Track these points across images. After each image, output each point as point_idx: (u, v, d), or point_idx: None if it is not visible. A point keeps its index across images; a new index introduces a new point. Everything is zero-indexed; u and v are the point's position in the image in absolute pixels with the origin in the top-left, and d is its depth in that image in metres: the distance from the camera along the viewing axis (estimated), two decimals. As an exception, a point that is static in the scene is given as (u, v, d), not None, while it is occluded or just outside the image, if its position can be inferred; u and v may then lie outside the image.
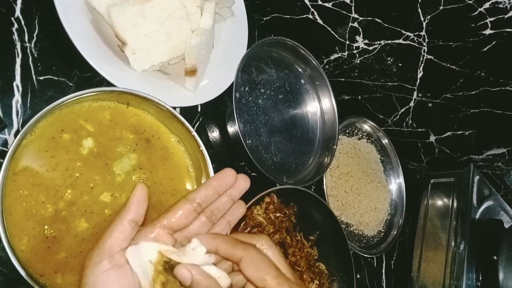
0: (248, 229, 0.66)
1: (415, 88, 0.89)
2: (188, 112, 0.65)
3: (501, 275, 0.79)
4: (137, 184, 0.34)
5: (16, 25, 0.51)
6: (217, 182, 0.36)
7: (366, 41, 0.83)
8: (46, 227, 0.43)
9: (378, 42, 0.83)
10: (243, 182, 0.37)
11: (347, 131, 0.94)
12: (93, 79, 0.56)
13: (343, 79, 0.93)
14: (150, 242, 0.33)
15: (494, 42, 0.74)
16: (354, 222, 0.88)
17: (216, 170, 0.53)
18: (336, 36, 0.84)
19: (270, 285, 0.31)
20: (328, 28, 0.82)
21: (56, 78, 0.53)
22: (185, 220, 0.35)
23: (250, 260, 0.32)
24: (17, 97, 0.50)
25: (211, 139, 0.69)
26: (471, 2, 0.69)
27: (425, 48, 0.81)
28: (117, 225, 0.32)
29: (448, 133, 0.96)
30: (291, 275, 0.34)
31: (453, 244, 0.87)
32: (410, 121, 0.97)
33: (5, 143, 0.49)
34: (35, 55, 0.52)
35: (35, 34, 0.52)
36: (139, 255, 0.32)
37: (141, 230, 0.34)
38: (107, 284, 0.30)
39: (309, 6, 0.79)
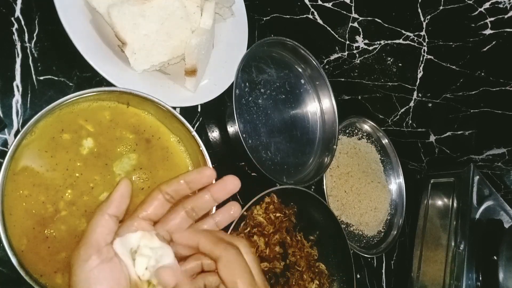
0: (248, 229, 0.66)
1: (415, 88, 0.89)
2: (188, 112, 0.65)
3: (501, 275, 0.79)
4: (122, 179, 0.34)
5: (16, 25, 0.51)
6: (189, 177, 0.35)
7: (366, 41, 0.83)
8: (46, 227, 0.43)
9: (378, 42, 0.83)
10: (231, 184, 0.36)
11: (347, 131, 0.94)
12: (93, 79, 0.56)
13: (343, 79, 0.93)
14: (135, 232, 0.33)
15: (494, 42, 0.73)
16: (354, 222, 0.88)
17: (216, 170, 0.53)
18: (336, 36, 0.84)
19: None
20: (328, 28, 0.82)
21: (56, 78, 0.53)
22: (161, 210, 0.35)
23: (227, 261, 0.32)
24: (17, 97, 0.50)
25: (211, 139, 0.69)
26: (471, 2, 0.69)
27: (425, 48, 0.81)
28: (100, 220, 0.32)
29: (448, 133, 0.96)
30: (264, 286, 0.33)
31: (453, 244, 0.87)
32: (410, 121, 0.97)
33: (5, 143, 0.49)
34: (35, 55, 0.52)
35: (35, 34, 0.52)
36: (125, 246, 0.32)
37: (122, 224, 0.34)
38: (99, 278, 0.30)
39: (309, 6, 0.79)
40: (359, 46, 0.85)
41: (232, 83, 0.65)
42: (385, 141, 1.00)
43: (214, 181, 0.37)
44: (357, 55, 0.86)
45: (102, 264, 0.30)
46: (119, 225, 0.34)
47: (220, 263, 0.32)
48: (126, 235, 0.33)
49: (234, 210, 0.38)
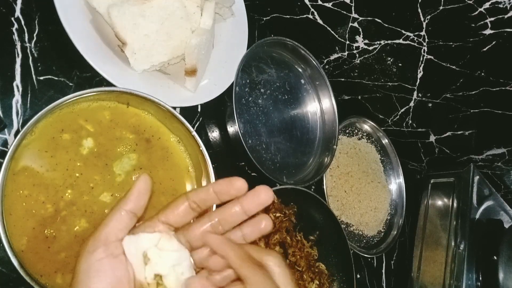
0: (248, 229, 0.66)
1: (415, 88, 0.89)
2: (188, 112, 0.65)
3: (501, 275, 0.79)
4: (142, 175, 0.33)
5: (16, 25, 0.51)
6: (218, 188, 0.33)
7: (366, 41, 0.83)
8: (46, 227, 0.43)
9: (378, 42, 0.83)
10: (265, 195, 0.33)
11: (347, 131, 0.94)
12: (93, 79, 0.56)
13: (343, 79, 0.93)
14: (149, 233, 0.32)
15: (494, 42, 0.74)
16: (354, 222, 0.88)
17: (216, 170, 0.53)
18: (336, 36, 0.84)
19: None
20: (328, 28, 0.82)
21: (56, 78, 0.53)
22: (184, 218, 0.33)
23: (255, 284, 0.30)
24: (17, 97, 0.50)
25: (211, 139, 0.69)
26: (471, 2, 0.69)
27: (425, 48, 0.81)
28: (115, 214, 0.31)
29: (448, 133, 0.96)
30: None
31: (453, 244, 0.87)
32: (410, 121, 0.97)
33: (5, 143, 0.49)
34: (35, 55, 0.52)
35: (35, 34, 0.52)
36: (136, 245, 0.31)
37: (141, 224, 0.33)
38: (100, 272, 0.29)
39: (309, 6, 0.79)
40: (359, 46, 0.85)
41: (232, 83, 0.65)
42: (385, 141, 1.00)
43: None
44: (357, 55, 0.86)
45: (106, 259, 0.30)
46: (138, 224, 0.33)
47: (248, 285, 0.30)
48: (139, 234, 0.32)
49: (265, 224, 0.34)
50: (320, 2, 0.78)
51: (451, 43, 0.77)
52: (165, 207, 0.34)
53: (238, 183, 0.33)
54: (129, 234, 0.32)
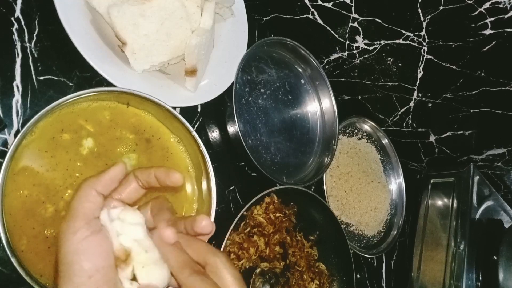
0: (248, 229, 0.66)
1: (415, 88, 0.89)
2: (188, 112, 0.65)
3: (501, 275, 0.79)
4: (119, 162, 0.34)
5: (16, 25, 0.51)
6: (158, 174, 0.35)
7: (366, 41, 0.83)
8: (46, 227, 0.43)
9: (378, 42, 0.83)
10: (175, 178, 0.35)
11: (347, 131, 0.94)
12: (93, 79, 0.56)
13: (343, 79, 0.93)
14: (119, 208, 0.33)
15: (494, 42, 0.73)
16: (354, 222, 0.88)
17: (216, 170, 0.53)
18: (336, 36, 0.84)
19: None
20: (328, 28, 0.82)
21: (56, 78, 0.53)
22: (135, 195, 0.35)
23: (217, 268, 0.31)
24: (17, 97, 0.50)
25: (211, 139, 0.69)
26: (471, 2, 0.69)
27: (425, 48, 0.81)
28: (88, 194, 0.31)
29: (448, 133, 0.96)
30: None
31: (453, 244, 0.87)
32: (410, 121, 0.97)
33: (5, 143, 0.49)
34: (35, 55, 0.52)
35: (35, 34, 0.52)
36: (110, 218, 0.32)
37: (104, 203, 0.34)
38: (88, 250, 0.29)
39: (309, 6, 0.79)
40: (359, 46, 0.85)
41: (232, 83, 0.65)
42: (385, 141, 1.00)
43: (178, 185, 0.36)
44: (357, 55, 0.86)
45: (91, 236, 0.30)
46: None
47: (211, 268, 0.32)
48: (111, 209, 0.33)
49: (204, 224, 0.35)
50: (320, 2, 0.78)
51: (451, 43, 0.77)
52: (117, 189, 0.34)
53: (175, 176, 0.34)
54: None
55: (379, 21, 0.79)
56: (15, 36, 0.51)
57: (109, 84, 0.52)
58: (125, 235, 0.32)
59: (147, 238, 0.32)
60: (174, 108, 0.52)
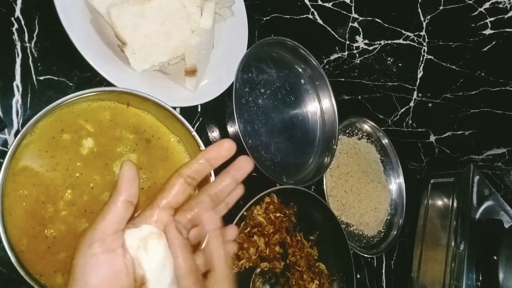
0: (248, 229, 0.66)
1: (415, 88, 0.89)
2: (188, 112, 0.65)
3: (501, 275, 0.79)
4: (124, 162, 0.32)
5: (16, 25, 0.51)
6: (209, 154, 0.34)
7: (366, 41, 0.83)
8: (46, 227, 0.43)
9: (378, 42, 0.83)
10: (246, 163, 0.36)
11: (347, 131, 0.94)
12: (93, 79, 0.56)
13: (343, 79, 0.93)
14: (151, 225, 0.32)
15: (494, 42, 0.73)
16: (354, 222, 0.88)
17: (216, 170, 0.53)
18: (336, 36, 0.84)
19: None
20: (328, 28, 0.82)
21: (56, 78, 0.53)
22: (183, 196, 0.34)
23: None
24: (17, 97, 0.50)
25: (211, 139, 0.69)
26: (471, 2, 0.69)
27: (425, 48, 0.81)
28: (110, 207, 0.31)
29: (448, 133, 0.96)
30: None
31: (453, 244, 0.87)
32: (410, 121, 0.97)
33: (5, 143, 0.49)
34: (35, 55, 0.52)
35: (35, 34, 0.52)
36: (138, 238, 0.31)
37: (142, 213, 0.33)
38: (96, 268, 0.29)
39: (309, 6, 0.79)
40: (359, 46, 0.85)
41: (232, 83, 0.65)
42: (385, 141, 1.00)
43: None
44: (357, 55, 0.86)
45: (103, 254, 0.29)
46: (137, 213, 0.33)
47: (214, 277, 0.32)
48: (141, 226, 0.31)
49: (240, 189, 0.37)
50: (320, 2, 0.78)
51: (451, 43, 0.77)
52: (161, 190, 0.34)
53: (226, 144, 0.35)
54: (130, 225, 0.32)
55: (379, 21, 0.79)
56: (15, 36, 0.51)
57: (109, 84, 0.52)
58: (146, 264, 0.31)
59: (165, 271, 0.31)
60: (174, 108, 0.52)
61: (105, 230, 0.30)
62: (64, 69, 0.54)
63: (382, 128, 0.99)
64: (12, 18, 0.51)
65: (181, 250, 0.32)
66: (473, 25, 0.72)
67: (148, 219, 0.32)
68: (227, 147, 0.35)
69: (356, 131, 0.96)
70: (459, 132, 0.94)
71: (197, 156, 0.34)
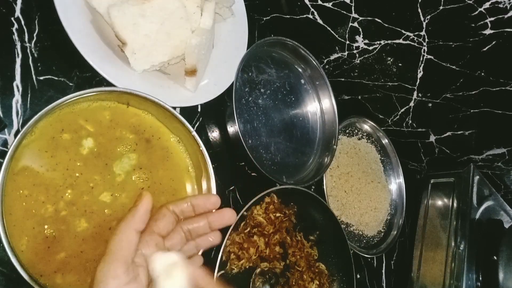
0: (248, 229, 0.66)
1: (415, 88, 0.89)
2: (188, 112, 0.65)
3: (501, 275, 0.79)
4: (144, 193, 0.35)
5: (16, 25, 0.51)
6: (196, 201, 0.38)
7: (366, 41, 0.83)
8: (46, 227, 0.43)
9: (378, 42, 0.83)
10: (228, 217, 0.39)
11: (347, 131, 0.94)
12: (93, 79, 0.56)
13: (343, 79, 0.93)
14: (166, 252, 0.34)
15: (494, 42, 0.73)
16: (354, 222, 0.88)
17: (216, 170, 0.53)
18: (336, 36, 0.84)
19: None
20: (328, 28, 0.82)
21: (56, 78, 0.53)
22: (169, 227, 0.37)
23: None
24: (17, 97, 0.50)
25: (211, 139, 0.69)
26: (471, 2, 0.69)
27: (425, 48, 0.81)
28: (127, 235, 0.32)
29: (448, 133, 0.96)
30: None
31: (453, 244, 0.87)
32: (410, 121, 0.97)
33: (5, 143, 0.49)
34: (35, 55, 0.52)
35: (35, 34, 0.52)
36: (164, 264, 0.33)
37: (142, 238, 0.34)
38: None
39: (309, 6, 0.79)
40: (359, 46, 0.84)
41: (232, 83, 0.65)
42: (385, 141, 1.00)
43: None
44: (357, 55, 0.86)
45: (130, 283, 0.31)
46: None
47: None
48: (171, 253, 0.34)
49: (214, 238, 0.40)
50: (320, 2, 0.78)
51: (451, 43, 0.77)
52: (153, 219, 0.36)
53: (213, 199, 0.39)
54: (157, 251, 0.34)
55: (379, 21, 0.79)
56: (15, 36, 0.51)
57: (109, 84, 0.52)
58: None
59: None
60: (174, 108, 0.52)
61: (127, 259, 0.31)
62: (64, 69, 0.54)
63: (382, 128, 0.99)
64: (12, 18, 0.51)
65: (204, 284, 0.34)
66: (473, 25, 0.72)
67: (149, 243, 0.35)
68: (213, 202, 0.39)
69: (356, 131, 0.96)
70: (459, 132, 0.94)
71: (186, 198, 0.39)
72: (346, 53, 0.86)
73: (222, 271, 0.62)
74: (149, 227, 0.36)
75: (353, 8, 0.78)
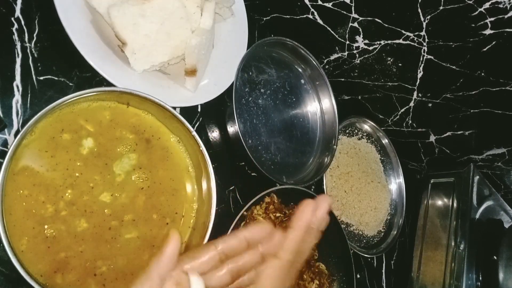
0: (248, 229, 0.66)
1: (415, 88, 0.89)
2: (188, 112, 0.65)
3: (501, 275, 0.79)
4: (171, 232, 0.31)
5: (16, 25, 0.51)
6: (250, 235, 0.33)
7: (366, 41, 0.83)
8: (46, 227, 0.43)
9: (378, 42, 0.83)
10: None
11: (347, 131, 0.94)
12: (93, 79, 0.56)
13: (343, 79, 0.93)
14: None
15: (494, 42, 0.73)
16: (354, 222, 0.88)
17: (216, 170, 0.53)
18: (336, 36, 0.84)
19: None
20: (328, 28, 0.82)
21: (56, 78, 0.53)
22: (207, 266, 0.33)
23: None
24: (17, 97, 0.50)
25: (211, 139, 0.69)
26: (471, 2, 0.69)
27: (425, 48, 0.81)
28: (150, 283, 0.30)
29: (448, 133, 0.96)
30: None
31: (453, 244, 0.87)
32: (410, 121, 0.97)
33: (5, 143, 0.49)
34: (35, 55, 0.52)
35: (35, 34, 0.52)
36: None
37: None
38: None
39: (309, 6, 0.79)
40: (359, 46, 0.85)
41: (232, 83, 0.65)
42: (385, 141, 1.00)
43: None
44: (357, 55, 0.86)
45: None
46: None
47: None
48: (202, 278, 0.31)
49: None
50: (320, 2, 0.78)
51: (451, 43, 0.77)
52: (192, 254, 0.33)
53: (268, 228, 0.34)
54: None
55: (379, 21, 0.79)
56: (15, 36, 0.51)
57: (109, 84, 0.52)
58: None
59: None
60: (174, 108, 0.52)
61: None
62: (64, 69, 0.54)
63: (382, 128, 0.99)
64: (12, 18, 0.51)
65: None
66: (473, 25, 0.72)
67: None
68: (268, 231, 0.34)
69: (356, 131, 0.96)
70: (459, 132, 0.94)
71: (238, 232, 0.33)
72: (346, 53, 0.86)
73: (222, 271, 0.62)
74: (181, 261, 0.32)
75: (353, 8, 0.78)
